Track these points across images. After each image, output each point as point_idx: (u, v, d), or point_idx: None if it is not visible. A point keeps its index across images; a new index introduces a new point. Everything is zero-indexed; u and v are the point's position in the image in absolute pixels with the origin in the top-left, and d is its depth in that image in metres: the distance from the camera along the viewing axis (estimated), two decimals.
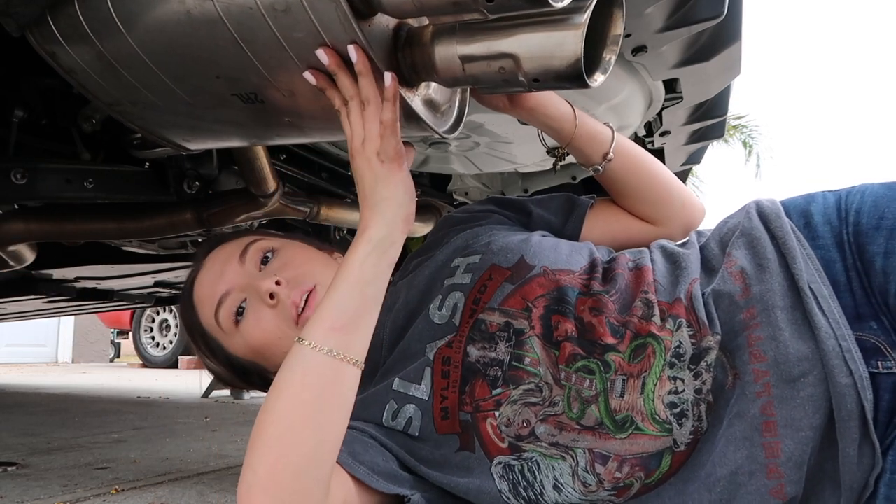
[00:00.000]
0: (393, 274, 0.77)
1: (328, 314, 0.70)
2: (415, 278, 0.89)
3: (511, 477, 0.74)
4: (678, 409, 0.71)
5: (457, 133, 0.82)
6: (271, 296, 0.83)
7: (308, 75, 0.68)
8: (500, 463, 0.75)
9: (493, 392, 0.76)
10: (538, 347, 0.77)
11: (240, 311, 0.85)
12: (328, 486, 0.69)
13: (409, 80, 0.72)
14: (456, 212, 1.02)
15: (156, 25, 0.67)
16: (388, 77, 0.67)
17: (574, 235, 0.97)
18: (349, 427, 0.79)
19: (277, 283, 0.83)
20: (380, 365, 0.86)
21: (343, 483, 0.72)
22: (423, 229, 1.90)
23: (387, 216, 0.72)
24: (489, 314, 0.79)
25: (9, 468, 1.71)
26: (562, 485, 0.74)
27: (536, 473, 0.74)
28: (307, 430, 0.67)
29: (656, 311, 0.76)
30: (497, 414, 0.75)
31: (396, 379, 0.80)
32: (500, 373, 0.77)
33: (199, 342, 0.91)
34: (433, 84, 0.77)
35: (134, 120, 0.83)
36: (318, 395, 0.68)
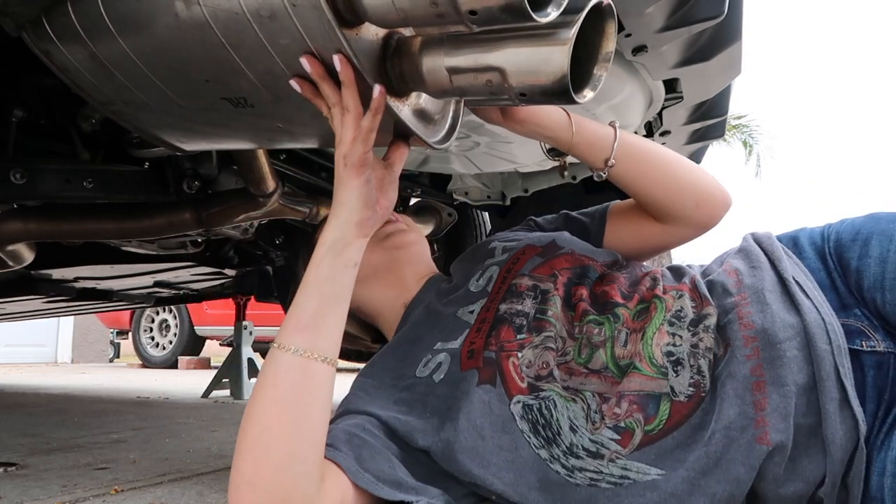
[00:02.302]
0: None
1: (292, 316, 0.74)
2: (461, 261, 1.03)
3: (530, 416, 0.78)
4: (674, 357, 0.78)
5: (448, 145, 0.82)
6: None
7: (294, 83, 0.69)
8: (518, 402, 0.79)
9: (518, 336, 0.83)
10: (559, 306, 0.86)
11: None
12: (316, 479, 0.71)
13: (399, 90, 0.72)
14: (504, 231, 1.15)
15: (145, 28, 0.67)
16: (377, 89, 0.67)
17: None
18: (361, 414, 0.82)
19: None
20: (411, 316, 0.97)
21: (341, 483, 0.73)
22: (423, 230, 1.89)
23: (340, 219, 0.75)
24: (520, 279, 0.90)
25: (8, 468, 1.71)
26: (577, 426, 0.78)
27: (553, 412, 0.78)
28: (283, 428, 0.70)
29: (661, 285, 0.87)
30: (520, 355, 0.81)
31: (439, 342, 0.87)
32: (525, 322, 0.85)
33: (305, 255, 1.05)
34: (425, 94, 0.77)
35: (128, 120, 0.83)
36: (290, 394, 0.71)
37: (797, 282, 0.81)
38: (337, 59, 0.65)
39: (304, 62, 0.66)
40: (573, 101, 0.68)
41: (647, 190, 0.95)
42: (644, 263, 0.96)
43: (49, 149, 1.33)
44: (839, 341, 0.75)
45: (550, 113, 0.89)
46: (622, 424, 0.76)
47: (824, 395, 0.73)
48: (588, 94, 0.71)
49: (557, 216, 1.10)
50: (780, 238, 0.91)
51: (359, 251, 0.76)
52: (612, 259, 0.96)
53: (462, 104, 0.85)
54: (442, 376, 0.83)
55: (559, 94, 0.67)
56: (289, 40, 0.63)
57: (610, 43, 0.72)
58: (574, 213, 1.08)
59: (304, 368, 0.72)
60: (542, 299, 0.86)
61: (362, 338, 1.11)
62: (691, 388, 0.76)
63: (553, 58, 0.65)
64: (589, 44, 0.70)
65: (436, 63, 0.69)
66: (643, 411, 0.76)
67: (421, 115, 0.78)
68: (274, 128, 0.78)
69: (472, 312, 0.89)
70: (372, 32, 0.68)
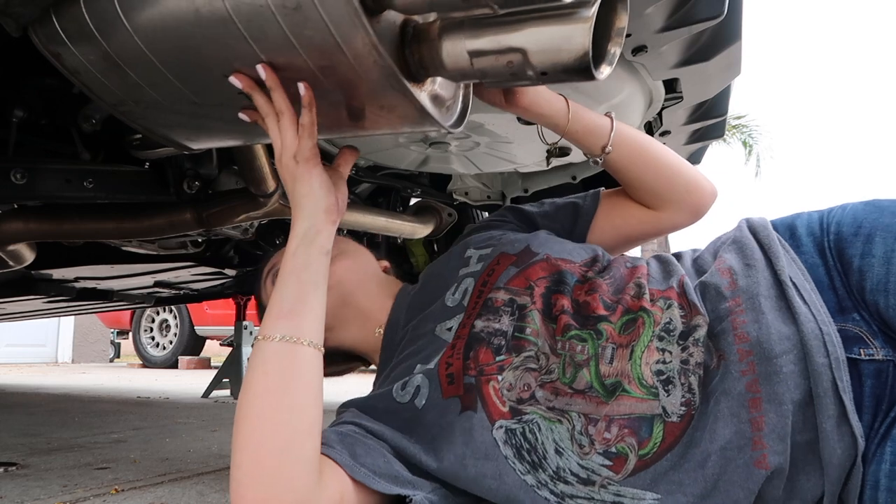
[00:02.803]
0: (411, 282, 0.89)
1: (274, 305, 0.75)
2: (434, 268, 0.99)
3: (514, 441, 0.76)
4: (664, 377, 0.75)
5: (461, 128, 0.82)
6: None
7: (234, 80, 0.70)
8: (501, 427, 0.77)
9: (497, 358, 0.80)
10: (538, 320, 0.82)
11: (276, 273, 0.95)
12: (316, 467, 0.70)
13: (417, 75, 0.73)
14: (477, 223, 1.12)
15: (164, 25, 0.67)
16: (302, 87, 0.70)
17: (582, 238, 1.02)
18: (352, 424, 0.81)
19: None
20: (397, 342, 0.93)
21: (340, 478, 0.73)
22: (423, 230, 1.89)
23: (307, 210, 0.77)
24: (496, 293, 0.86)
25: (9, 468, 1.71)
26: (563, 449, 0.75)
27: (538, 435, 0.76)
28: (278, 415, 0.69)
29: (646, 292, 0.82)
30: (500, 378, 0.79)
31: (418, 365, 0.85)
32: (503, 342, 0.82)
33: (259, 314, 1.03)
34: (438, 79, 0.77)
35: (137, 120, 0.83)
36: (281, 380, 0.71)
37: (794, 284, 0.77)
38: (261, 69, 0.67)
39: (234, 80, 0.69)
40: (593, 77, 0.69)
41: (643, 175, 0.97)
42: (629, 258, 0.92)
43: (49, 149, 1.33)
44: (837, 353, 0.72)
45: (551, 100, 0.91)
46: (613, 450, 0.73)
47: (821, 413, 0.70)
48: (605, 70, 0.73)
49: (541, 204, 1.07)
50: (776, 225, 0.88)
51: (329, 238, 0.78)
52: (591, 255, 0.92)
53: (471, 88, 0.85)
54: (424, 402, 0.81)
55: (580, 70, 0.68)
56: (312, 31, 0.63)
57: (622, 19, 0.73)
58: (561, 200, 1.06)
59: (292, 353, 0.72)
60: (519, 315, 0.83)
61: (354, 366, 1.10)
62: (683, 408, 0.73)
63: (575, 36, 0.67)
64: (602, 21, 0.71)
65: (456, 47, 0.70)
66: (636, 435, 0.73)
67: (436, 99, 0.78)
68: None
69: (450, 330, 0.86)
70: (391, 20, 0.68)
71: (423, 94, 0.74)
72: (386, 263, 1.11)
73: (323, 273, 0.77)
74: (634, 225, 1.01)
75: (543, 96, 0.90)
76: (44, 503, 1.38)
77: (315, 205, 0.77)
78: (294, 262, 0.76)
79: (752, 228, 0.87)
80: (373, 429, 0.80)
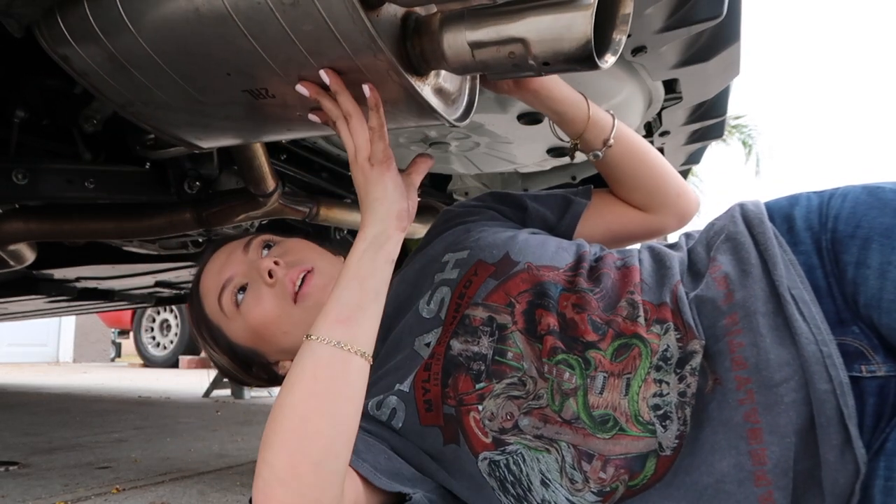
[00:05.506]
0: (395, 272, 0.80)
1: (332, 308, 0.72)
2: (406, 273, 0.93)
3: (498, 473, 0.75)
4: (661, 412, 0.71)
5: (466, 122, 0.82)
6: (270, 274, 0.86)
7: (301, 88, 0.70)
8: (485, 459, 0.75)
9: (477, 386, 0.77)
10: (521, 342, 0.77)
11: (241, 290, 0.88)
12: (344, 481, 0.69)
13: (419, 69, 0.73)
14: (454, 206, 1.05)
15: (165, 25, 0.67)
16: (367, 88, 0.69)
17: (568, 233, 0.98)
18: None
19: (276, 262, 0.87)
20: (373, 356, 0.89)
21: (354, 483, 0.72)
22: (423, 230, 1.89)
23: (379, 214, 0.75)
24: (473, 309, 0.81)
25: (10, 467, 1.72)
26: (549, 480, 0.73)
27: (522, 466, 0.74)
28: (322, 421, 0.68)
29: (641, 312, 0.76)
30: (480, 408, 0.76)
31: (396, 384, 0.82)
32: (483, 367, 0.77)
33: (203, 333, 0.94)
34: (443, 72, 0.77)
35: (146, 120, 0.83)
36: (330, 386, 0.69)
37: (793, 297, 0.71)
38: (324, 74, 0.67)
39: (301, 89, 0.68)
40: (596, 67, 0.68)
41: (639, 172, 0.96)
42: (620, 256, 0.86)
43: (51, 149, 1.33)
44: (840, 377, 0.66)
45: (562, 87, 0.90)
46: (607, 489, 0.72)
47: (824, 444, 0.66)
48: (610, 59, 0.71)
49: (519, 199, 1.02)
50: (772, 213, 0.81)
51: (397, 246, 0.76)
52: (575, 257, 0.85)
53: (478, 81, 0.85)
54: (401, 424, 0.79)
55: (583, 59, 0.68)
56: (312, 26, 0.63)
57: (627, 6, 0.72)
58: (536, 202, 1.01)
59: (344, 361, 0.70)
60: (499, 337, 0.78)
61: None
62: (677, 441, 0.70)
63: (576, 24, 0.66)
64: (606, 9, 0.70)
65: (457, 39, 0.69)
66: (629, 471, 0.71)
67: (440, 93, 0.78)
68: (294, 117, 0.78)
69: (427, 345, 0.82)
70: (391, 13, 0.68)
71: (426, 88, 0.74)
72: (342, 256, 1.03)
73: (385, 282, 0.75)
74: (625, 223, 0.99)
75: (556, 81, 0.89)
76: (45, 502, 1.39)
77: (388, 209, 0.75)
78: (360, 267, 0.74)
79: (747, 220, 0.81)
80: (369, 428, 0.80)
